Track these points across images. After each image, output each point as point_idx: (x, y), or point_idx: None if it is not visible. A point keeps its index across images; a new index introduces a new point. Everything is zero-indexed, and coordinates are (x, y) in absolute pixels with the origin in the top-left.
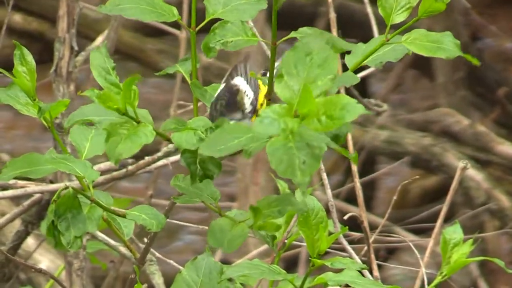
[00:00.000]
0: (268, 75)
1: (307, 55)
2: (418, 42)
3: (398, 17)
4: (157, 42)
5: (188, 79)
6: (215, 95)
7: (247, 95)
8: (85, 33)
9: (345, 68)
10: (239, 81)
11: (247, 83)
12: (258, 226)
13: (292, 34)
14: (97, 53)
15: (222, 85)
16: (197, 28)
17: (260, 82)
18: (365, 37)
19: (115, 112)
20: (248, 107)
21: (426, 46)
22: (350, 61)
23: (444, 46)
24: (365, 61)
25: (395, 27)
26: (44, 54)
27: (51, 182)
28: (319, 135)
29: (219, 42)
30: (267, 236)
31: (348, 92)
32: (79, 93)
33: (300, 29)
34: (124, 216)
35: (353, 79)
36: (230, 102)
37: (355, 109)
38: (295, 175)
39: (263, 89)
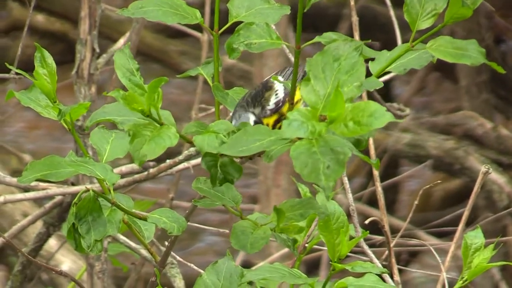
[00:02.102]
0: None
1: (335, 60)
2: (443, 48)
3: (424, 23)
4: (180, 43)
5: (210, 82)
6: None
7: (276, 94)
8: (108, 34)
9: (368, 72)
10: (276, 82)
11: (283, 86)
12: (280, 229)
13: (317, 39)
14: (121, 54)
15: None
16: (220, 31)
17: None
18: (388, 39)
19: (138, 113)
20: (271, 105)
21: (450, 53)
22: (374, 67)
23: (468, 53)
24: (389, 68)
25: (419, 32)
26: (67, 55)
27: (73, 184)
28: (343, 141)
29: (243, 43)
30: (288, 240)
31: (371, 95)
32: (104, 93)
33: (325, 34)
34: (145, 219)
35: (377, 84)
36: (257, 95)
37: (383, 116)
38: (319, 179)
39: (298, 94)
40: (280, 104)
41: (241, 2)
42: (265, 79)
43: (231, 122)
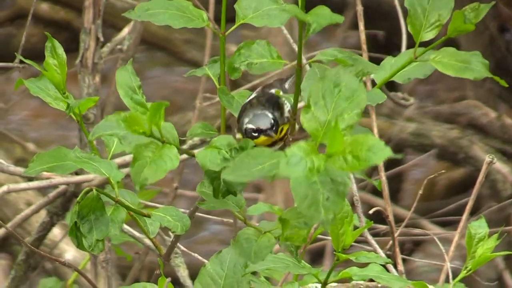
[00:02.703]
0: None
1: (336, 86)
2: (446, 61)
3: (428, 34)
4: (184, 32)
5: (216, 83)
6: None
7: (286, 104)
8: (112, 22)
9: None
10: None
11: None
12: (285, 238)
13: (319, 57)
14: (123, 72)
15: (254, 94)
16: (227, 33)
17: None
18: (392, 28)
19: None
20: (286, 113)
21: (453, 66)
22: (379, 76)
23: (472, 66)
24: (393, 78)
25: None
26: (71, 43)
27: (76, 173)
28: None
29: (244, 63)
30: (291, 246)
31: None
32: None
33: (328, 51)
34: (149, 216)
35: (380, 97)
36: (271, 99)
37: (382, 151)
38: (319, 212)
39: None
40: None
41: (249, 3)
42: (268, 86)
43: (244, 120)
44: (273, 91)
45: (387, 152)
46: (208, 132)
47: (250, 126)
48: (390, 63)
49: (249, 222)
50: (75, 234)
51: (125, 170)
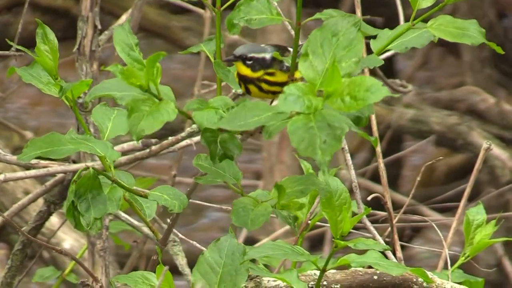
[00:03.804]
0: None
1: (334, 35)
2: (444, 28)
3: (425, 2)
4: (183, 19)
5: (211, 58)
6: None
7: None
8: (110, 10)
9: (369, 50)
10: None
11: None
12: (281, 205)
13: (317, 16)
14: (120, 30)
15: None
16: (222, 8)
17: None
18: (390, 14)
19: (137, 88)
20: (285, 63)
21: (451, 32)
22: (376, 45)
23: (469, 32)
24: (390, 46)
25: (421, 11)
26: (69, 31)
27: (74, 162)
28: (340, 116)
29: (243, 19)
30: (289, 217)
31: (373, 71)
32: (102, 67)
33: (325, 11)
34: (145, 196)
35: (377, 62)
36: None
37: (379, 91)
38: (315, 154)
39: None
40: (288, 67)
41: None
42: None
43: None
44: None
45: (384, 91)
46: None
47: (235, 51)
48: (387, 34)
49: (246, 193)
50: (73, 214)
51: (123, 159)
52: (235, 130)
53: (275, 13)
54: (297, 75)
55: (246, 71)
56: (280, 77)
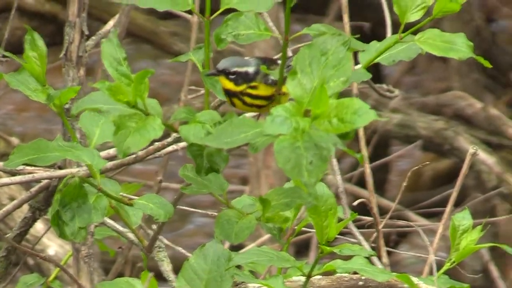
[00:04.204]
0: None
1: (323, 54)
2: (431, 41)
3: (413, 16)
4: (170, 24)
5: (200, 68)
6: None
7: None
8: (97, 15)
9: (357, 61)
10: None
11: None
12: (266, 218)
13: (305, 31)
14: (108, 43)
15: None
16: (211, 17)
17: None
18: (378, 19)
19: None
20: (271, 76)
21: (439, 46)
22: (364, 58)
23: (456, 47)
24: (378, 59)
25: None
26: (57, 36)
27: (60, 168)
28: (328, 136)
29: (231, 34)
30: (274, 229)
31: None
32: (89, 84)
33: (313, 26)
34: (131, 205)
35: (365, 76)
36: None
37: (367, 114)
38: (302, 176)
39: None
40: (273, 80)
41: None
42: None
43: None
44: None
45: (371, 115)
46: (192, 116)
47: (218, 65)
48: (375, 46)
49: (231, 205)
50: (57, 223)
51: (108, 164)
52: None
53: (263, 28)
54: (284, 89)
55: (229, 85)
56: (264, 90)
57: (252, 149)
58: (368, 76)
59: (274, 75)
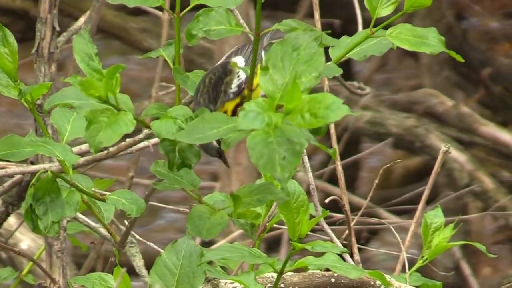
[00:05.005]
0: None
1: (295, 49)
2: (403, 36)
3: (384, 11)
4: (140, 21)
5: (170, 63)
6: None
7: (238, 77)
8: (69, 11)
9: (328, 57)
10: (238, 60)
11: (246, 65)
12: (237, 214)
13: (276, 26)
14: (80, 39)
15: (223, 59)
16: (182, 14)
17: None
18: (348, 17)
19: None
20: (233, 88)
21: (410, 41)
22: (334, 53)
23: (428, 41)
24: (349, 54)
25: (380, 18)
26: (28, 32)
27: (32, 163)
28: (300, 131)
29: (202, 30)
30: (246, 224)
31: None
32: (61, 79)
33: (285, 22)
34: (103, 200)
35: (336, 71)
36: (217, 83)
37: (339, 109)
38: (275, 170)
39: (257, 77)
40: (243, 86)
41: None
42: (223, 58)
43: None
44: (239, 58)
45: (344, 110)
46: (163, 112)
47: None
48: (345, 41)
49: (203, 200)
50: (30, 217)
51: (80, 160)
52: None
53: (234, 24)
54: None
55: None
56: (231, 105)
57: (224, 145)
58: (339, 71)
59: (245, 71)
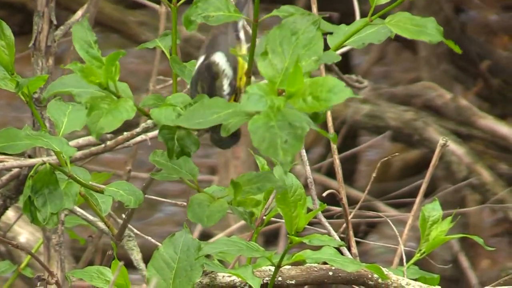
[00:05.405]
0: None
1: (293, 34)
2: (402, 24)
3: None
4: (138, 14)
5: (167, 54)
6: (195, 69)
7: (226, 76)
8: (66, 5)
9: (326, 45)
10: (219, 58)
11: (227, 60)
12: (237, 202)
13: (274, 12)
14: (79, 27)
15: (202, 58)
16: (179, 4)
17: (238, 50)
18: (346, 10)
19: (95, 86)
20: (226, 89)
21: (409, 29)
22: (333, 41)
23: (427, 30)
24: (347, 42)
25: (378, 7)
26: (26, 26)
27: (30, 156)
28: (301, 115)
29: (201, 16)
30: (245, 213)
31: (328, 66)
32: (61, 66)
33: (283, 8)
34: (101, 192)
35: (334, 57)
36: (210, 88)
37: (342, 92)
38: (277, 154)
39: (242, 63)
40: (234, 83)
41: None
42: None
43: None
44: (218, 55)
45: (347, 93)
46: (160, 102)
47: None
48: (344, 29)
49: (202, 189)
50: (29, 209)
51: (78, 154)
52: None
53: (233, 10)
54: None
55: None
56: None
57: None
58: (337, 58)
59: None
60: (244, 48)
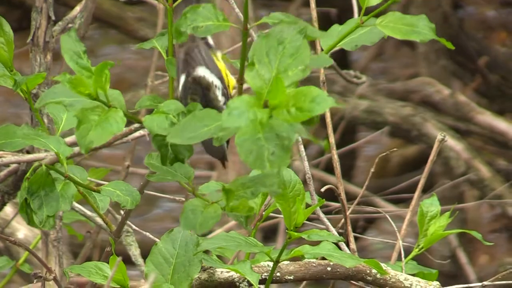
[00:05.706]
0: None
1: (280, 43)
2: (393, 25)
3: (374, 0)
4: (137, 10)
5: (164, 55)
6: (180, 87)
7: (216, 86)
8: (64, 0)
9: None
10: (202, 72)
11: (211, 72)
12: (230, 208)
13: (264, 20)
14: (67, 38)
15: (183, 76)
16: (175, 4)
17: (215, 58)
18: (345, 6)
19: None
20: (221, 99)
21: (400, 29)
22: (325, 43)
23: (418, 29)
24: (340, 44)
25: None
26: (24, 22)
27: (28, 152)
28: (288, 125)
29: (190, 27)
30: (241, 216)
31: None
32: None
33: (272, 15)
34: (98, 191)
35: (326, 61)
36: (205, 100)
37: (325, 101)
38: (264, 167)
39: (223, 68)
40: (226, 91)
41: None
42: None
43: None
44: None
45: (330, 102)
46: (157, 103)
47: None
48: (337, 30)
49: (198, 193)
50: (26, 211)
51: (76, 149)
52: None
53: (222, 19)
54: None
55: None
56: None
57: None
58: (329, 61)
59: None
60: (218, 53)
